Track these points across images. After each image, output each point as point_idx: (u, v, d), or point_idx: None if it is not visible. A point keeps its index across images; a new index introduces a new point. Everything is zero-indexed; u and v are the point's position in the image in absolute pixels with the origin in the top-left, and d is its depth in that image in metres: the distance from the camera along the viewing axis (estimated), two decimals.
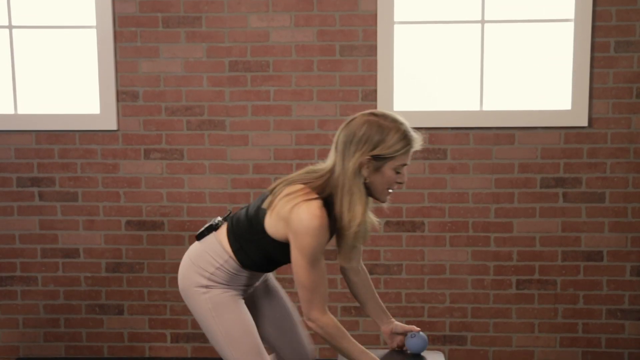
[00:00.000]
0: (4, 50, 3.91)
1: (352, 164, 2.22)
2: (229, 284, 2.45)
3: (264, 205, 2.33)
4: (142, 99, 3.85)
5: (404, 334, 2.63)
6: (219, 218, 2.53)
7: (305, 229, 2.20)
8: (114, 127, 3.86)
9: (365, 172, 2.24)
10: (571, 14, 3.72)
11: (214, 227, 2.49)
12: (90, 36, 3.87)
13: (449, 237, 3.86)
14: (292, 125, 3.83)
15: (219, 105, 3.84)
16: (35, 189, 3.92)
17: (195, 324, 3.98)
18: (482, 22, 3.76)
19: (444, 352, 3.94)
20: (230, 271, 2.44)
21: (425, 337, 2.60)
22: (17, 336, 4.03)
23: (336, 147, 2.27)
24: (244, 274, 2.47)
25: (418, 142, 2.28)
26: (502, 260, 3.87)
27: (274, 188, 2.34)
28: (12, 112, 3.91)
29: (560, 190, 3.81)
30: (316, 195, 2.24)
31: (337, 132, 2.30)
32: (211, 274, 2.43)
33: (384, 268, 3.89)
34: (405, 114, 3.78)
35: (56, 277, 3.98)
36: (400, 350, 2.65)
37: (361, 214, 2.25)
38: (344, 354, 2.36)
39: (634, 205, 3.80)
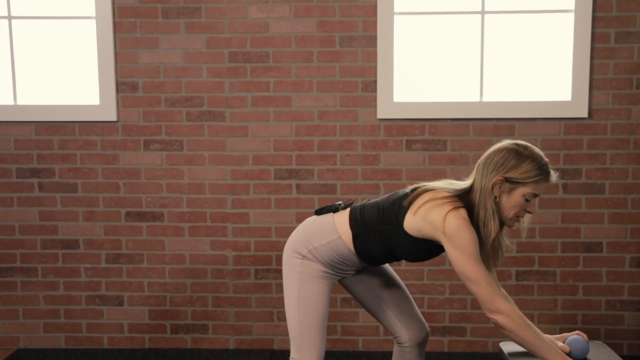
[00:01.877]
0: (3, 41, 3.90)
1: (487, 181, 2.41)
2: (324, 262, 2.57)
3: (404, 203, 2.48)
4: (141, 90, 3.85)
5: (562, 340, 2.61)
6: (341, 202, 2.68)
7: (461, 229, 2.37)
8: (113, 118, 3.85)
9: (497, 191, 2.40)
10: (571, 5, 3.71)
11: (333, 209, 2.64)
12: (90, 27, 3.86)
13: None
14: (291, 117, 3.83)
15: (219, 97, 3.83)
16: (34, 180, 3.92)
17: (194, 315, 3.99)
18: (482, 12, 3.75)
19: (443, 344, 3.95)
20: (332, 251, 2.56)
21: (582, 339, 2.57)
22: (17, 327, 4.04)
23: (477, 167, 2.47)
24: (344, 259, 2.58)
25: (553, 177, 2.42)
26: None
27: (415, 189, 2.52)
28: (11, 103, 3.91)
29: (560, 181, 3.80)
30: (461, 204, 2.42)
31: (482, 156, 2.48)
32: (314, 247, 2.57)
33: None
34: (404, 105, 3.77)
35: (56, 268, 3.99)
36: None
37: (494, 230, 2.40)
38: (530, 346, 2.35)
39: (634, 196, 3.80)
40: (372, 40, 3.75)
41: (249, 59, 3.81)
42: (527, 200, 2.41)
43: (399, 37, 3.80)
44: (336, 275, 2.64)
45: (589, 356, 2.57)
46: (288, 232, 3.88)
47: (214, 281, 3.96)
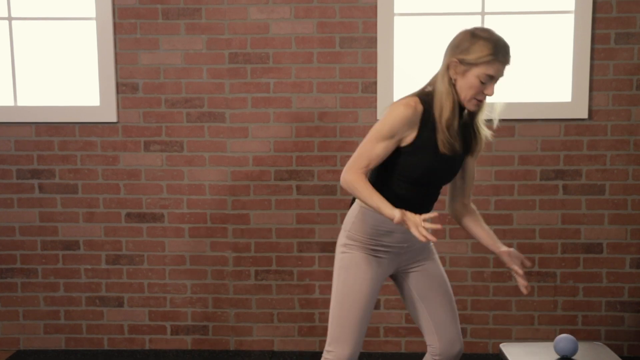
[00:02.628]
0: (3, 42, 3.90)
1: (443, 64, 2.48)
2: (364, 242, 2.58)
3: None
4: (142, 91, 3.85)
5: (518, 262, 2.67)
6: None
7: (391, 108, 2.47)
8: (113, 119, 3.86)
9: (452, 73, 2.45)
10: (571, 6, 3.72)
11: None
12: (90, 28, 3.86)
13: (448, 229, 3.86)
14: (292, 117, 3.83)
15: (219, 98, 3.83)
16: (35, 181, 3.92)
17: (195, 317, 3.99)
18: (483, 13, 3.75)
19: None
20: (364, 223, 2.58)
21: (572, 338, 2.67)
22: (18, 328, 4.03)
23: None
24: (378, 227, 2.57)
25: (505, 57, 2.42)
26: None
27: None
28: (11, 104, 3.91)
29: (560, 183, 3.81)
30: (418, 97, 2.48)
31: None
32: (349, 230, 2.61)
33: None
34: None
35: (56, 269, 3.99)
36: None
37: (447, 110, 2.44)
38: (365, 200, 2.45)
39: (634, 197, 3.80)
40: (372, 42, 3.75)
41: (249, 60, 3.81)
42: (482, 83, 2.42)
43: (399, 38, 3.80)
44: (383, 257, 2.60)
45: (582, 357, 2.60)
46: (288, 233, 3.88)
47: (214, 282, 3.96)
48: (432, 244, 2.78)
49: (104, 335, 4.02)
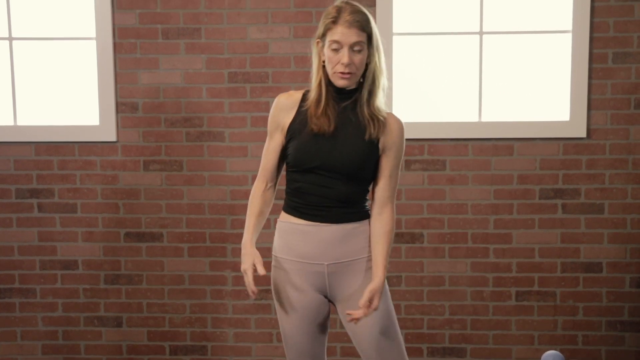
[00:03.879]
0: (4, 62, 3.92)
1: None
2: (283, 251, 2.61)
3: None
4: (141, 111, 3.86)
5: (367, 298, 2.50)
6: None
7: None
8: (113, 138, 3.86)
9: (320, 54, 2.44)
10: (569, 26, 3.74)
11: None
12: (90, 48, 3.88)
13: (448, 248, 3.86)
14: None
15: (218, 117, 3.85)
16: (34, 201, 3.92)
17: (194, 336, 3.97)
18: (481, 33, 3.77)
19: None
20: (279, 230, 2.63)
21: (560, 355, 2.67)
22: (15, 349, 4.01)
23: None
24: (290, 227, 2.58)
25: (346, 19, 2.36)
26: (501, 271, 3.86)
27: None
28: (11, 123, 3.92)
29: (559, 202, 3.81)
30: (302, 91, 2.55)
31: None
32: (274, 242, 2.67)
33: None
34: (404, 125, 3.78)
35: (55, 289, 3.97)
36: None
37: (315, 88, 2.46)
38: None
39: (633, 216, 3.80)
40: None
41: (248, 80, 3.82)
42: (335, 52, 2.37)
43: (397, 58, 3.82)
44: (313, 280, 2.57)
45: None
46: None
47: (213, 302, 3.95)
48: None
49: (103, 356, 4.00)
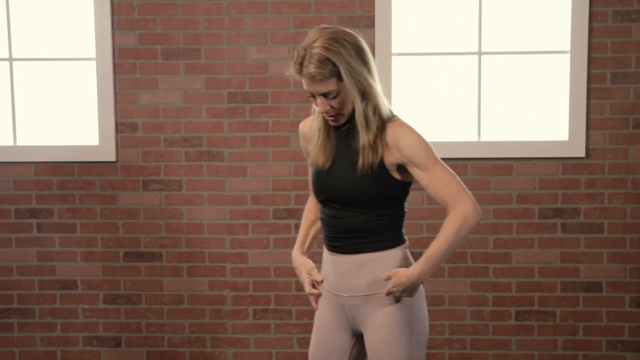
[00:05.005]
0: (4, 82, 3.93)
1: None
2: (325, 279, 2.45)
3: None
4: (141, 131, 3.87)
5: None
6: None
7: None
8: (112, 158, 3.87)
9: None
10: (567, 46, 3.75)
11: None
12: (90, 68, 3.89)
13: (447, 267, 3.86)
14: (290, 156, 3.84)
15: (218, 137, 3.85)
16: (33, 221, 3.92)
17: (193, 356, 3.96)
18: (479, 53, 3.79)
19: None
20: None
21: None
22: None
23: None
24: (323, 256, 2.46)
25: (306, 70, 2.21)
26: (501, 291, 3.86)
27: None
28: (11, 143, 3.92)
29: (558, 221, 3.81)
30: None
31: None
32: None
33: None
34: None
35: (53, 309, 3.96)
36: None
37: (312, 121, 2.41)
38: None
39: (633, 235, 3.80)
40: None
41: (247, 100, 3.83)
42: (312, 97, 2.27)
43: (396, 78, 3.83)
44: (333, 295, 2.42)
45: None
46: (287, 272, 3.87)
47: (212, 322, 3.94)
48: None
49: None
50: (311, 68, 2.19)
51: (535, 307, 3.86)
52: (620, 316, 3.84)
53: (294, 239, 3.81)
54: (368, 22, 3.73)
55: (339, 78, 2.21)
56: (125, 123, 3.87)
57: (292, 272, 3.88)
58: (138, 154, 3.88)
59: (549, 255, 3.83)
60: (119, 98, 3.86)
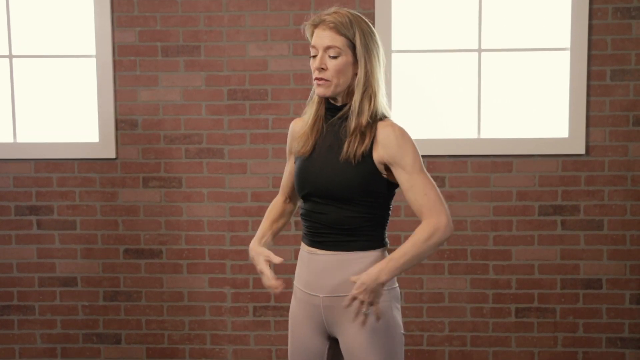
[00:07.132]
0: (4, 79, 3.93)
1: None
2: (296, 278, 2.41)
3: None
4: (140, 128, 3.87)
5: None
6: None
7: None
8: (112, 155, 3.87)
9: None
10: (567, 43, 3.75)
11: None
12: (90, 65, 3.89)
13: (447, 265, 3.86)
14: None
15: (218, 134, 3.85)
16: (33, 218, 3.92)
17: (193, 353, 3.96)
18: (479, 50, 3.79)
19: None
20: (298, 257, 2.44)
21: None
22: None
23: None
24: (300, 254, 2.40)
25: (315, 19, 2.22)
26: (501, 288, 3.86)
27: None
28: (11, 140, 3.92)
29: (558, 218, 3.81)
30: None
31: None
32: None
33: None
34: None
35: (53, 306, 3.97)
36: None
37: (314, 100, 2.36)
38: None
39: (633, 232, 3.80)
40: None
41: (247, 97, 3.83)
42: (313, 58, 2.22)
43: (396, 75, 3.83)
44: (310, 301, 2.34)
45: None
46: (287, 269, 3.87)
47: (212, 319, 3.94)
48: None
49: None
50: (331, 17, 2.20)
51: (535, 304, 3.86)
52: (620, 313, 3.84)
53: (294, 236, 3.82)
54: (368, 19, 3.72)
55: (351, 44, 2.21)
56: (125, 120, 3.87)
57: (291, 269, 3.88)
58: (138, 151, 3.88)
59: (549, 252, 3.83)
60: (118, 95, 3.86)
